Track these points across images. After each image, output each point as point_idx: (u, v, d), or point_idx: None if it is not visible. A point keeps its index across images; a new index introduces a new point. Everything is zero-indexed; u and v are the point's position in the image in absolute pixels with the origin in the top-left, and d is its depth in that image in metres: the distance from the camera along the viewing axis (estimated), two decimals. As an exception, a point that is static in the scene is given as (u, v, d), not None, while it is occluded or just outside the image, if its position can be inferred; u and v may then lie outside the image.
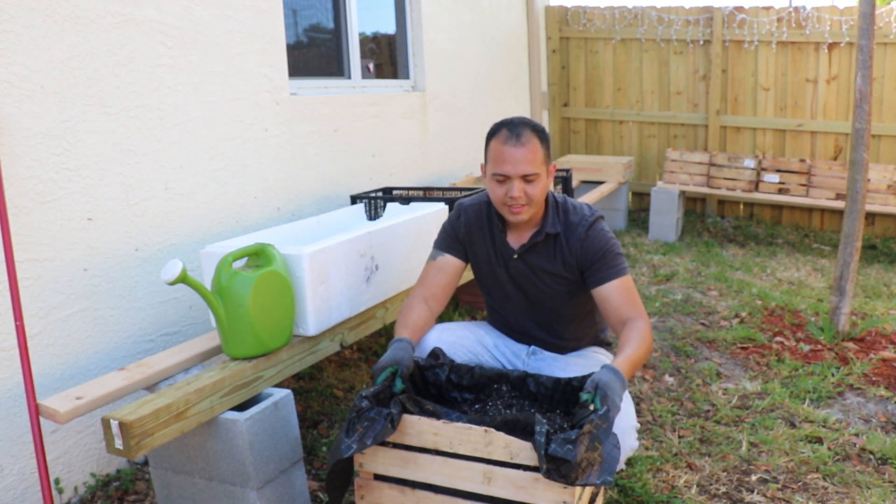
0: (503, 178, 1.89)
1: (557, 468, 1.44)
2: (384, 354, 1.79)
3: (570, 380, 1.79)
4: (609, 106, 6.42)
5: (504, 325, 2.18)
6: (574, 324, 2.12)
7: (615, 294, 1.91)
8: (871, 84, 3.26)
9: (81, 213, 2.21)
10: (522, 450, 1.52)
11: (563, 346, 2.13)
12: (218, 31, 2.67)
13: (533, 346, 2.15)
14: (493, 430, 1.55)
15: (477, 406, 1.85)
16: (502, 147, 1.88)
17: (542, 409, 1.81)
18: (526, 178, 1.88)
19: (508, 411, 1.81)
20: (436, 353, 1.92)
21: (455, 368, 1.86)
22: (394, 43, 4.22)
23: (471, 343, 2.09)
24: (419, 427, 1.61)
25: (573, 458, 1.42)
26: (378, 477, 1.70)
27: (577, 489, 1.52)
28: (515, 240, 2.03)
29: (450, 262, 2.09)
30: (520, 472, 1.54)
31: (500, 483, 1.56)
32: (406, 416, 1.62)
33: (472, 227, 2.09)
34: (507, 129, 1.89)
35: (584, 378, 1.75)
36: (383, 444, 1.66)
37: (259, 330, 1.98)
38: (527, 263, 2.02)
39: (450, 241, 2.11)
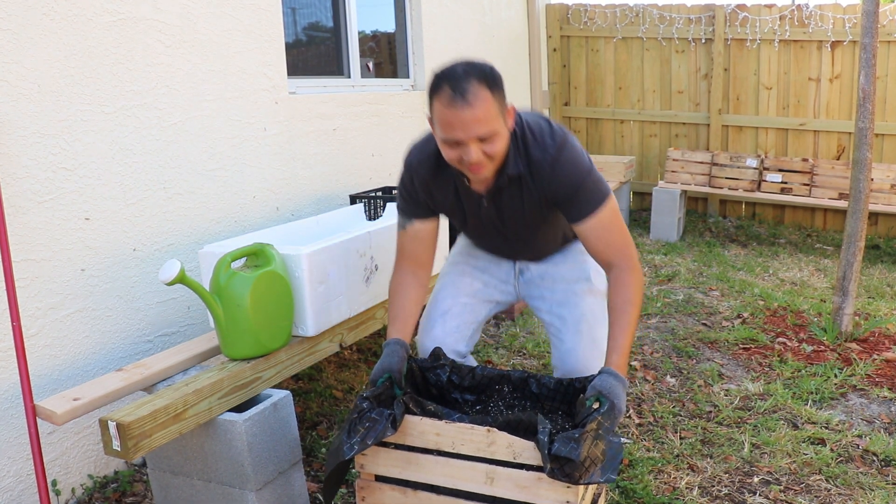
0: (455, 143, 1.62)
1: (561, 467, 1.43)
2: (378, 360, 1.77)
3: (572, 380, 1.78)
4: (610, 105, 6.41)
5: (481, 248, 2.10)
6: (556, 231, 1.99)
7: (593, 233, 1.74)
8: (875, 83, 3.24)
9: (79, 213, 2.20)
10: (525, 449, 1.51)
11: (546, 249, 2.02)
12: (216, 30, 2.66)
13: (519, 265, 2.08)
14: (495, 429, 1.54)
15: (478, 407, 1.84)
16: (447, 111, 1.57)
17: (544, 409, 1.80)
18: (482, 139, 1.60)
19: (510, 412, 1.80)
20: (437, 354, 1.90)
21: (456, 369, 1.85)
22: (393, 41, 4.21)
23: (471, 311, 2.04)
24: (421, 427, 1.60)
25: (577, 457, 1.41)
26: (379, 478, 1.69)
27: (581, 488, 1.51)
28: (480, 185, 1.80)
29: (420, 227, 1.91)
30: (523, 472, 1.52)
31: (503, 483, 1.55)
32: (408, 417, 1.61)
33: (429, 185, 1.85)
34: (450, 87, 1.56)
35: (585, 379, 1.74)
36: (385, 445, 1.65)
37: (258, 330, 1.97)
38: (497, 207, 1.83)
39: (411, 207, 1.90)
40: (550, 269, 2.04)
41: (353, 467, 1.70)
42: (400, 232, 1.94)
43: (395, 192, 3.42)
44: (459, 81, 1.57)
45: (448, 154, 1.66)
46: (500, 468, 1.55)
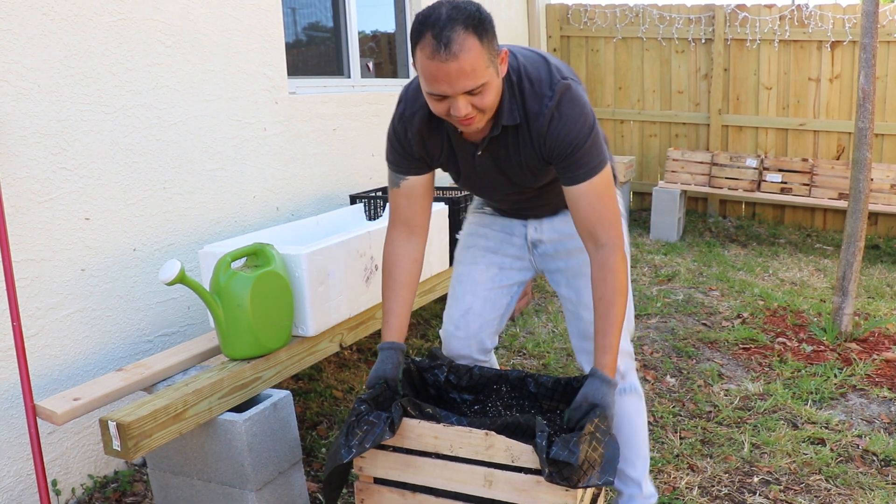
0: (442, 97, 1.48)
1: (559, 471, 1.43)
2: (374, 366, 1.74)
3: (569, 380, 1.78)
4: (610, 105, 6.41)
5: (484, 202, 2.00)
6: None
7: (584, 201, 1.61)
8: (875, 83, 3.24)
9: (79, 213, 2.20)
10: (524, 453, 1.51)
11: (553, 203, 1.89)
12: (216, 30, 2.66)
13: (531, 234, 1.94)
14: (493, 433, 1.54)
15: (476, 407, 1.84)
16: (430, 63, 1.42)
17: (542, 408, 1.80)
18: (471, 92, 1.46)
19: (508, 412, 1.79)
20: (434, 354, 1.90)
21: (454, 369, 1.85)
22: (393, 41, 4.21)
23: (492, 306, 1.95)
24: (419, 430, 1.60)
25: (575, 461, 1.41)
26: (378, 481, 1.69)
27: (579, 491, 1.51)
28: (476, 135, 1.67)
29: (414, 183, 1.77)
30: (521, 475, 1.52)
31: (501, 486, 1.55)
32: (406, 420, 1.61)
33: (424, 138, 1.71)
34: (433, 36, 1.41)
35: (584, 378, 1.73)
36: (383, 447, 1.65)
37: (258, 330, 1.97)
38: (493, 157, 1.70)
39: (405, 161, 1.76)
40: (565, 240, 1.91)
41: (353, 469, 1.70)
42: (392, 191, 1.80)
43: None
44: (443, 29, 1.40)
45: (435, 107, 1.53)
46: (498, 471, 1.55)
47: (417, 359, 1.87)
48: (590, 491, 1.77)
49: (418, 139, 1.70)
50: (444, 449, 1.59)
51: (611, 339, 1.60)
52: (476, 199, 2.08)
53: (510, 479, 1.54)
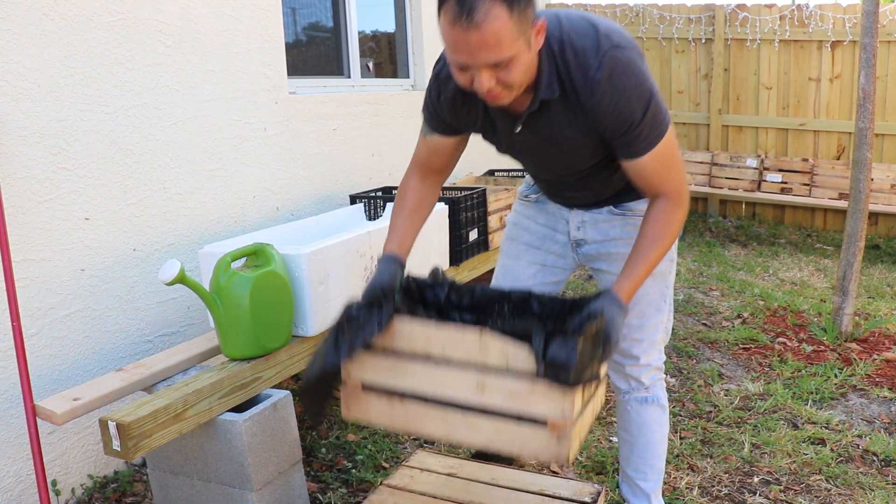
0: (463, 68, 1.37)
1: (556, 372, 1.35)
2: (370, 279, 1.62)
3: (575, 299, 1.65)
4: (610, 105, 6.40)
5: (540, 187, 1.89)
6: (619, 173, 1.70)
7: (646, 170, 1.51)
8: (875, 83, 3.24)
9: (79, 213, 2.20)
10: (518, 354, 1.41)
11: (603, 191, 1.77)
12: (216, 30, 2.66)
13: (574, 232, 1.85)
14: (488, 332, 1.43)
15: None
16: (451, 29, 1.29)
17: (546, 330, 1.71)
18: (496, 65, 1.33)
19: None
20: (435, 273, 1.77)
21: (455, 288, 1.73)
22: (393, 41, 4.21)
23: (537, 286, 1.90)
24: (410, 330, 1.49)
25: (572, 361, 1.33)
26: (366, 387, 1.58)
27: (577, 398, 1.42)
28: (517, 105, 1.53)
29: (441, 142, 1.71)
30: (515, 381, 1.42)
31: (494, 392, 1.44)
32: (397, 319, 1.49)
33: (457, 106, 1.61)
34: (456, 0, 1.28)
35: (589, 298, 1.61)
36: (372, 351, 1.54)
37: (258, 330, 1.97)
38: (533, 134, 1.57)
39: (434, 121, 1.68)
40: (608, 244, 1.83)
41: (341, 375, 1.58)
42: (421, 137, 1.74)
43: (395, 191, 3.41)
44: None
45: (458, 77, 1.41)
46: (491, 377, 1.44)
47: (418, 277, 1.74)
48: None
49: (450, 105, 1.61)
50: (435, 350, 1.48)
51: (639, 269, 1.51)
52: (524, 182, 2.00)
53: (504, 384, 1.44)
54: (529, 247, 1.91)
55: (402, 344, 1.51)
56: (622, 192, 1.75)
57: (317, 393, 1.54)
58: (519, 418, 1.44)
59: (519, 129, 1.56)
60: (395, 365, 1.53)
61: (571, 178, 1.72)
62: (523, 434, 1.44)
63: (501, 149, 1.72)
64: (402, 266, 1.64)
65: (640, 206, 1.74)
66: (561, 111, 1.49)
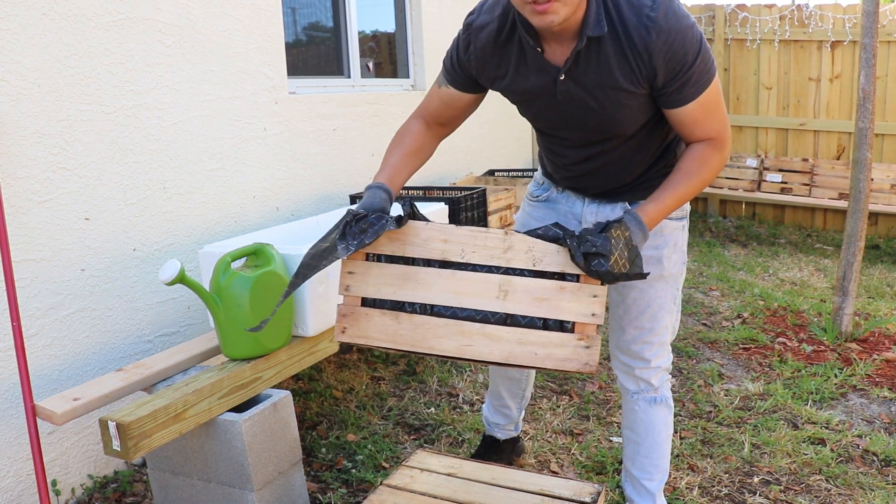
0: None
1: (594, 261, 1.29)
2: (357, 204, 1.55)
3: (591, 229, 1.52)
4: (610, 105, 6.40)
5: (558, 167, 1.78)
6: (650, 157, 1.68)
7: (690, 118, 1.49)
8: (875, 83, 3.24)
9: (79, 213, 2.19)
10: (547, 254, 1.32)
11: (625, 177, 1.70)
12: (216, 30, 2.66)
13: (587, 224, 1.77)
14: (512, 231, 1.36)
15: None
16: None
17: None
18: None
19: None
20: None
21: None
22: (393, 41, 4.21)
23: None
24: (426, 233, 1.37)
25: (608, 251, 1.29)
26: (367, 302, 1.43)
27: (604, 301, 1.36)
28: (558, 55, 1.47)
29: (455, 96, 1.66)
30: (542, 282, 1.32)
31: (518, 296, 1.34)
32: (411, 222, 1.38)
33: (487, 57, 1.56)
34: None
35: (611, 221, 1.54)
36: (378, 259, 1.41)
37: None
38: (578, 83, 1.49)
39: (457, 74, 1.63)
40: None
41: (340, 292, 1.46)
42: (434, 87, 1.70)
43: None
44: None
45: None
46: (516, 278, 1.34)
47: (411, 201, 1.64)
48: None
49: (479, 55, 1.56)
50: (453, 255, 1.36)
51: (665, 197, 1.50)
52: (532, 181, 1.95)
53: (529, 286, 1.34)
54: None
55: (415, 250, 1.38)
56: (639, 185, 1.72)
57: (307, 268, 1.43)
58: (545, 324, 1.35)
59: (563, 76, 1.48)
60: (404, 273, 1.39)
61: (599, 150, 1.64)
62: (548, 341, 1.34)
63: (534, 108, 1.62)
64: (391, 198, 1.54)
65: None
66: (611, 51, 1.43)
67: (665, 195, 1.50)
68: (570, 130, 1.63)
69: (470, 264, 1.37)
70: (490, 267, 1.36)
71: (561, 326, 1.35)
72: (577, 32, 1.42)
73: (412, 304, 1.40)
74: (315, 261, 1.40)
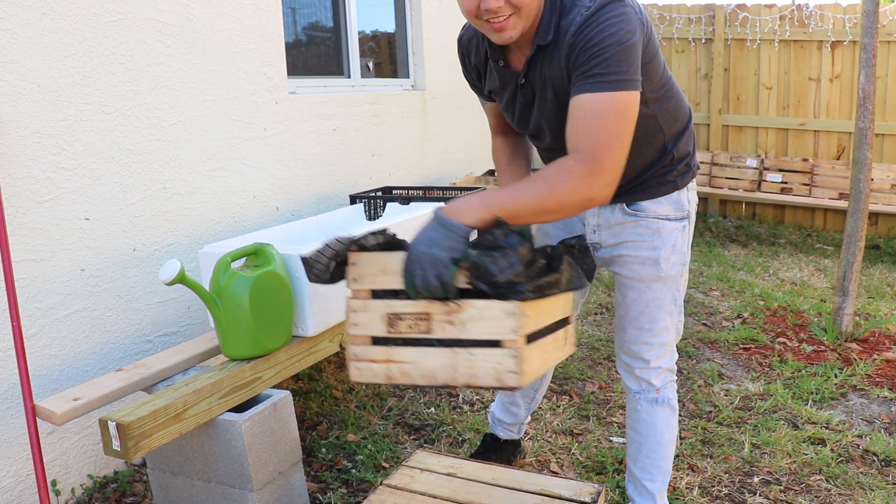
0: None
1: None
2: None
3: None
4: (610, 105, 6.40)
5: (542, 158, 1.87)
6: (644, 158, 1.66)
7: (579, 112, 1.38)
8: (875, 83, 3.24)
9: (79, 213, 2.19)
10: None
11: (622, 188, 1.64)
12: (216, 30, 2.66)
13: (589, 237, 1.79)
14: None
15: None
16: None
17: None
18: None
19: None
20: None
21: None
22: (393, 41, 4.21)
23: None
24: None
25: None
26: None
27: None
28: (518, 61, 1.53)
29: (494, 106, 1.78)
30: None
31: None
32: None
33: (479, 67, 1.65)
34: None
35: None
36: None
37: (258, 330, 1.97)
38: (533, 87, 1.54)
39: (476, 88, 1.75)
40: (619, 247, 1.78)
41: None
42: (482, 102, 1.85)
43: (395, 191, 3.41)
44: None
45: (465, 4, 1.38)
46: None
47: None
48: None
49: (473, 67, 1.66)
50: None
51: (497, 195, 1.36)
52: None
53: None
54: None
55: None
56: (636, 186, 1.72)
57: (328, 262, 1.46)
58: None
59: (522, 80, 1.53)
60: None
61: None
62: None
63: (509, 113, 1.68)
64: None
65: (653, 206, 1.72)
66: (553, 55, 1.46)
67: (500, 193, 1.37)
68: (544, 133, 1.66)
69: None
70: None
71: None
72: (531, 39, 1.47)
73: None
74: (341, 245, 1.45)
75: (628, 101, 1.37)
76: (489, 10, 1.33)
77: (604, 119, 1.36)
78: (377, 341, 1.40)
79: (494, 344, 1.32)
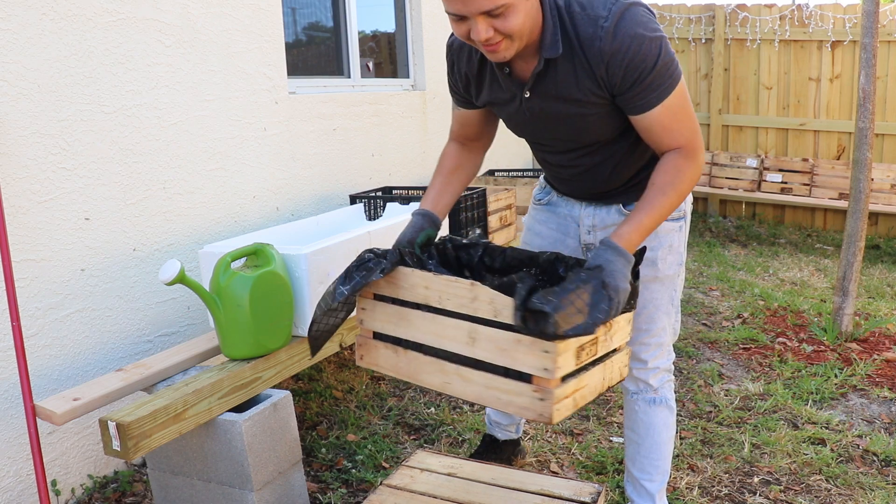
0: (460, 18, 1.36)
1: (536, 322, 1.32)
2: None
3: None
4: (610, 105, 6.40)
5: (550, 174, 1.85)
6: (641, 158, 1.69)
7: (657, 125, 1.47)
8: (875, 83, 3.24)
9: (79, 213, 2.19)
10: (506, 307, 1.40)
11: (614, 177, 1.71)
12: (216, 30, 2.66)
13: (584, 236, 1.82)
14: (479, 284, 1.44)
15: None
16: None
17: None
18: (491, 13, 1.32)
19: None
20: (474, 240, 1.82)
21: (489, 250, 1.75)
22: (393, 41, 4.21)
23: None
24: (412, 280, 1.53)
25: (550, 309, 1.30)
26: (377, 335, 1.64)
27: (563, 355, 1.39)
28: (524, 71, 1.52)
29: (467, 114, 1.76)
30: (502, 333, 1.42)
31: (483, 344, 1.46)
32: (400, 268, 1.54)
33: (469, 76, 1.63)
34: None
35: None
36: (382, 299, 1.59)
37: (258, 330, 1.97)
38: (543, 98, 1.54)
39: (457, 94, 1.73)
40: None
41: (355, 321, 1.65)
42: (453, 108, 1.82)
43: (395, 191, 3.42)
44: None
45: (456, 30, 1.41)
46: (481, 327, 1.45)
47: (453, 238, 1.78)
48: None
49: (463, 74, 1.64)
50: (433, 301, 1.51)
51: (642, 217, 1.46)
52: (537, 184, 1.99)
53: (492, 336, 1.44)
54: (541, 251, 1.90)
55: (406, 293, 1.55)
56: (631, 188, 1.73)
57: (322, 325, 1.57)
58: (506, 372, 1.44)
59: (528, 94, 1.53)
60: (399, 314, 1.57)
61: (580, 154, 1.67)
62: (510, 389, 1.43)
63: (512, 122, 1.69)
64: (434, 221, 1.68)
65: None
66: (569, 67, 1.46)
67: (641, 215, 1.47)
68: (545, 139, 1.69)
69: (446, 310, 1.50)
70: (461, 313, 1.48)
71: (520, 376, 1.42)
72: (537, 50, 1.47)
73: (406, 341, 1.58)
74: (327, 318, 1.55)
75: (684, 87, 1.49)
76: (479, 40, 1.36)
77: (679, 115, 1.47)
78: (566, 377, 1.44)
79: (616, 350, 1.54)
